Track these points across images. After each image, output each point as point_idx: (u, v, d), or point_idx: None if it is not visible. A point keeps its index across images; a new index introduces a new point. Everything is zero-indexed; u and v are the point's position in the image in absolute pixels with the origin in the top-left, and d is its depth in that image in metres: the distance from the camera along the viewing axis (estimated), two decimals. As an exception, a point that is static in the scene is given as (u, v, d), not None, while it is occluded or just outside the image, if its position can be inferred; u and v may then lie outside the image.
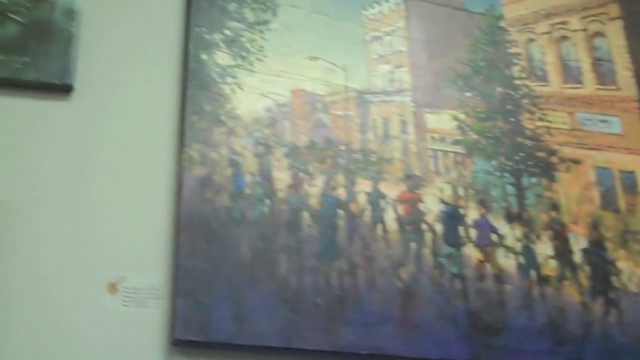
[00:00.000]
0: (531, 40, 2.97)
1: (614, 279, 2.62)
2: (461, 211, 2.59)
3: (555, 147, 2.78)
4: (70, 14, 2.45)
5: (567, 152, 2.79)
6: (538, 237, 2.62)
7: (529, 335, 2.44)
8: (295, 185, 2.45)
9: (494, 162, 2.70)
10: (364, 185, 2.53)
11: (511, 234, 2.59)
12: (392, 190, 2.56)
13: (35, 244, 2.18)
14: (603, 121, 2.88)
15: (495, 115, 2.77)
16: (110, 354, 2.10)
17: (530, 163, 2.75)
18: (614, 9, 3.09)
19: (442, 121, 2.73)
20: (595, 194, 2.76)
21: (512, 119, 2.79)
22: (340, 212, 2.45)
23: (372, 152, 2.61)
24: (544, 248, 2.60)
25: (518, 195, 2.68)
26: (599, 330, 2.51)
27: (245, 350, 2.20)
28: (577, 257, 2.61)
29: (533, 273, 2.55)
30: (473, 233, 2.56)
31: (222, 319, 2.18)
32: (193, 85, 2.47)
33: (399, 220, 2.51)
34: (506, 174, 2.69)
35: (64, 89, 2.38)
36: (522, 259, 2.56)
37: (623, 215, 2.74)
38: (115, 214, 2.27)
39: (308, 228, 2.39)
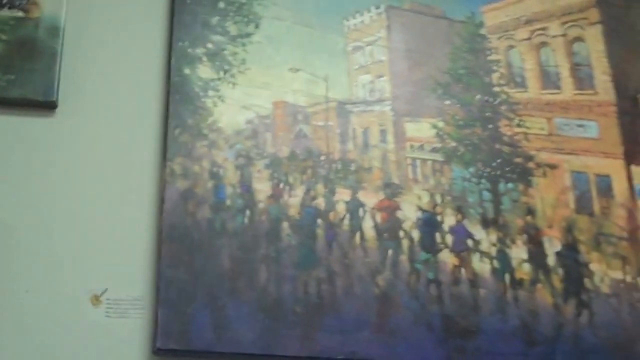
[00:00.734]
0: (511, 47, 3.03)
1: (586, 281, 2.69)
2: (438, 218, 2.66)
3: (533, 152, 2.85)
4: (54, 31, 2.51)
5: (544, 157, 2.85)
6: (513, 241, 2.69)
7: (501, 338, 2.52)
8: (275, 196, 2.53)
9: (471, 169, 2.77)
10: (343, 195, 2.60)
11: (486, 239, 2.67)
12: (370, 198, 2.64)
13: (19, 258, 2.28)
14: (580, 126, 2.94)
15: (473, 123, 2.84)
16: (94, 364, 2.17)
17: (507, 169, 2.81)
18: (594, 14, 3.14)
19: (421, 130, 2.80)
20: (571, 198, 2.83)
21: (491, 126, 2.85)
22: (320, 221, 2.53)
23: (351, 161, 2.68)
24: (519, 252, 2.68)
25: (494, 201, 2.75)
26: (571, 331, 2.59)
27: (225, 358, 2.29)
28: (551, 261, 2.69)
29: (507, 277, 2.63)
30: (449, 239, 2.64)
31: (203, 327, 2.26)
32: (176, 99, 2.54)
33: (377, 228, 2.59)
34: (483, 181, 2.76)
35: (48, 106, 2.45)
36: (496, 264, 2.64)
37: (597, 219, 2.82)
38: (99, 227, 2.35)
39: (287, 238, 2.47)
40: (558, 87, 3.00)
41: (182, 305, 2.27)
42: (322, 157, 2.65)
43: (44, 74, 2.45)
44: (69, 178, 2.39)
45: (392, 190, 2.66)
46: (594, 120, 2.97)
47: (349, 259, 2.50)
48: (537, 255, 2.69)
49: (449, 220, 2.66)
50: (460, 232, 2.65)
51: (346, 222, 2.56)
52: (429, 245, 2.60)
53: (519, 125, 2.88)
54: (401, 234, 2.59)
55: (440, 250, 2.60)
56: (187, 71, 2.60)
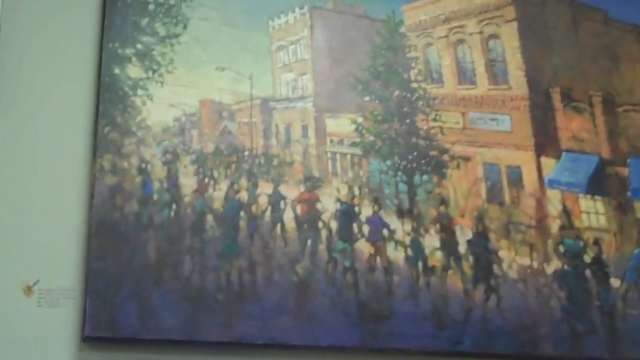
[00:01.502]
0: (429, 44, 3.18)
1: (495, 267, 2.88)
2: (356, 209, 2.82)
3: (447, 145, 3.02)
4: (-10, 34, 2.58)
5: (458, 150, 3.03)
6: (426, 230, 2.87)
7: (413, 322, 2.70)
8: (200, 190, 2.66)
9: (388, 162, 2.93)
10: (265, 188, 2.74)
11: (401, 228, 2.84)
12: (291, 191, 2.78)
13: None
14: (494, 120, 3.11)
15: (391, 118, 2.99)
16: (26, 352, 2.32)
17: (423, 162, 2.98)
18: (510, 12, 3.30)
19: (341, 125, 2.95)
20: (483, 188, 3.01)
21: (408, 121, 3.01)
22: (242, 214, 2.67)
23: (274, 156, 2.82)
24: (432, 241, 2.86)
25: (410, 192, 2.92)
26: (479, 315, 2.78)
27: (150, 344, 2.43)
28: (462, 248, 2.87)
29: (420, 264, 2.81)
30: (366, 229, 2.80)
31: (129, 316, 2.40)
32: (106, 98, 2.63)
33: (297, 219, 2.74)
34: (400, 173, 2.93)
35: (-16, 107, 2.54)
36: (410, 252, 2.81)
37: (507, 208, 3.00)
38: (31, 221, 2.46)
39: (211, 230, 2.61)
40: (473, 83, 3.16)
41: (109, 295, 2.39)
42: (246, 153, 2.78)
43: (-21, 77, 2.52)
44: (1, 173, 2.47)
45: (312, 183, 2.80)
46: (507, 114, 3.13)
47: (269, 249, 2.64)
48: (449, 244, 2.87)
49: (366, 211, 2.82)
50: (376, 222, 2.81)
51: (268, 214, 2.70)
52: (347, 235, 2.75)
53: (435, 120, 3.04)
54: (320, 224, 2.74)
55: (357, 239, 2.76)
56: (117, 71, 2.69)
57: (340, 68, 2.99)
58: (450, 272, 2.81)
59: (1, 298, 2.35)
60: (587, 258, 3.00)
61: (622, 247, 3.07)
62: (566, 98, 3.22)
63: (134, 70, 2.71)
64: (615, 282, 2.99)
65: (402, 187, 2.90)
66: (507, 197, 3.00)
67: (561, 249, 2.98)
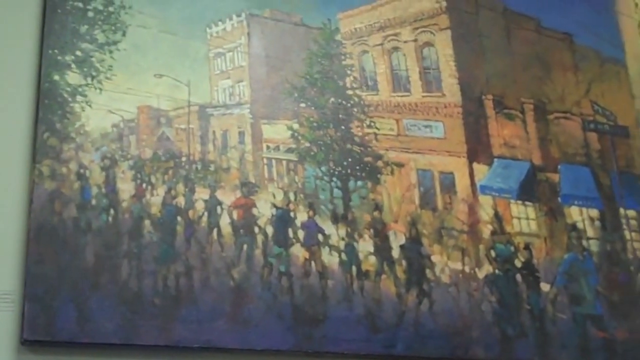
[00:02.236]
0: (364, 52, 3.23)
1: (428, 271, 2.93)
2: (291, 214, 2.86)
3: (382, 152, 3.08)
4: None
5: (392, 156, 3.08)
6: (360, 235, 2.92)
7: (347, 325, 2.74)
8: (138, 195, 2.70)
9: (323, 168, 2.99)
10: (202, 194, 2.78)
11: (336, 233, 2.89)
12: (228, 197, 2.83)
13: None
14: (427, 126, 3.17)
15: (327, 124, 3.05)
16: (-37, 356, 2.34)
17: (358, 168, 3.03)
18: (444, 20, 3.35)
19: (277, 131, 3.00)
20: (416, 194, 3.07)
21: (343, 127, 3.07)
22: (179, 219, 2.71)
23: (211, 162, 2.86)
24: (366, 245, 2.91)
25: (344, 197, 2.97)
26: (412, 318, 2.84)
27: (88, 348, 2.46)
28: (396, 253, 2.92)
29: (354, 269, 2.86)
30: (301, 234, 2.84)
31: (67, 320, 2.43)
32: (45, 105, 2.66)
33: (233, 224, 2.78)
34: (334, 179, 2.98)
35: None
36: (344, 256, 2.86)
37: (440, 213, 3.06)
38: (-30, 227, 2.47)
39: (149, 235, 2.64)
40: (408, 90, 3.22)
41: (47, 299, 2.42)
42: (183, 159, 2.82)
43: None
44: (-59, 179, 2.47)
45: (248, 189, 2.85)
46: (440, 121, 3.20)
47: (206, 254, 2.69)
48: (382, 248, 2.92)
49: (301, 216, 2.87)
50: (311, 227, 2.86)
51: (204, 219, 2.75)
52: (282, 240, 2.80)
53: (369, 127, 3.10)
54: (256, 229, 2.79)
55: (292, 244, 2.81)
56: (56, 77, 2.72)
57: (276, 75, 3.03)
58: (383, 276, 2.86)
59: (-61, 303, 2.35)
60: (518, 263, 3.06)
61: (552, 252, 3.13)
62: (498, 105, 3.28)
63: (73, 77, 2.74)
64: (545, 287, 3.05)
65: (337, 192, 2.95)
66: (439, 203, 3.06)
67: (492, 253, 3.03)
